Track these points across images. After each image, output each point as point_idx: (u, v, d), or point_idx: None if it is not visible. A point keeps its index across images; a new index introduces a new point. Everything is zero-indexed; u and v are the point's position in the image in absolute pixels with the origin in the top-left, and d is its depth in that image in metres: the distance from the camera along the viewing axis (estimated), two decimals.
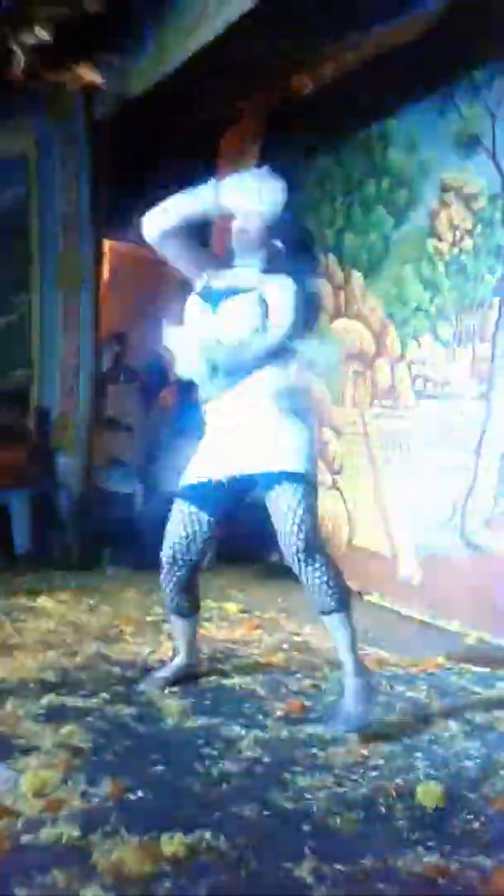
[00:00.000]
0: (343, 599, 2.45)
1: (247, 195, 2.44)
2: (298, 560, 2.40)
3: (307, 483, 2.43)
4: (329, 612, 2.45)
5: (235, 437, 2.49)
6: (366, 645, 3.35)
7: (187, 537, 2.59)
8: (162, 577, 2.67)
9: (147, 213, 2.52)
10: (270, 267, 2.51)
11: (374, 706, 2.46)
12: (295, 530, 2.38)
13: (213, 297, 2.50)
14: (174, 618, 2.80)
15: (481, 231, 3.84)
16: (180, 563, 2.61)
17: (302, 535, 2.38)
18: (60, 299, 5.23)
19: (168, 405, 5.51)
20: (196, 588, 2.75)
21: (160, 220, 2.49)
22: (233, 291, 2.48)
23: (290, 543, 2.40)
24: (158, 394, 5.63)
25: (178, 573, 2.63)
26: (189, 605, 2.75)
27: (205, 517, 2.58)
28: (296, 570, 2.43)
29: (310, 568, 2.40)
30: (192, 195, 2.47)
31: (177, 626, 2.82)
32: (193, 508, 2.57)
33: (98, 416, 5.31)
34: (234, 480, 2.52)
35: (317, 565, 2.40)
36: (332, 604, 2.43)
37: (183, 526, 2.58)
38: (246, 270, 2.52)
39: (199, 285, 2.58)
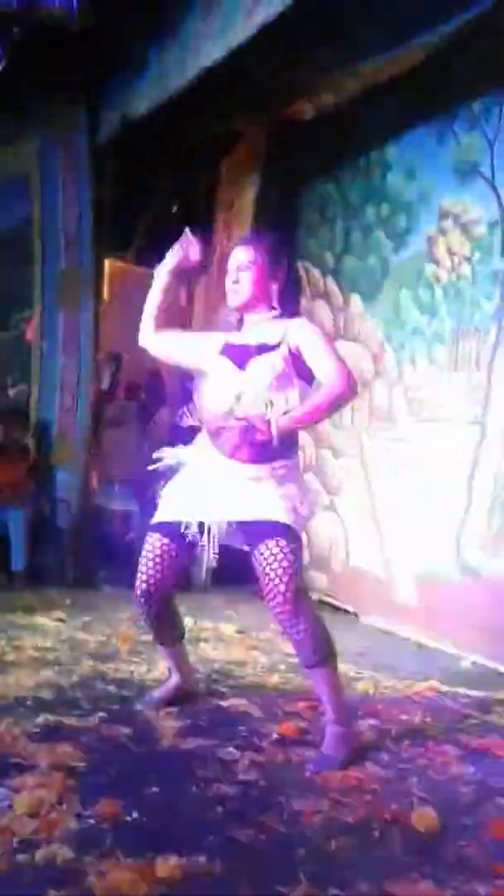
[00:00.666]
0: (326, 654, 2.41)
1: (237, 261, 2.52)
2: (283, 615, 2.35)
3: (294, 536, 2.39)
4: (313, 667, 2.43)
5: (222, 482, 2.43)
6: (361, 667, 3.38)
7: (160, 572, 2.53)
8: (139, 610, 2.67)
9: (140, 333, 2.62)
10: (278, 312, 2.51)
11: (351, 753, 2.41)
12: (281, 586, 2.33)
13: (236, 355, 2.47)
14: (159, 647, 2.83)
15: (479, 258, 3.89)
16: (155, 596, 2.57)
17: (289, 591, 2.33)
18: (61, 316, 5.27)
19: (163, 424, 5.55)
20: (175, 617, 2.75)
21: (147, 321, 2.59)
22: (259, 348, 2.44)
23: (275, 597, 2.34)
24: (156, 412, 5.65)
25: (153, 607, 2.60)
26: (170, 635, 2.76)
27: (179, 553, 2.53)
28: (280, 624, 2.39)
29: (295, 623, 2.35)
30: (155, 278, 2.60)
31: (164, 653, 2.84)
32: (168, 544, 2.53)
33: (97, 434, 5.33)
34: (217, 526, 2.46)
35: (301, 621, 2.35)
36: (317, 658, 2.40)
37: (155, 561, 2.53)
38: (259, 323, 2.51)
39: (214, 347, 2.55)
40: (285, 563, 2.33)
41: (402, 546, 4.26)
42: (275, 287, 2.51)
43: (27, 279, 5.41)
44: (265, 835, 1.93)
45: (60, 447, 5.16)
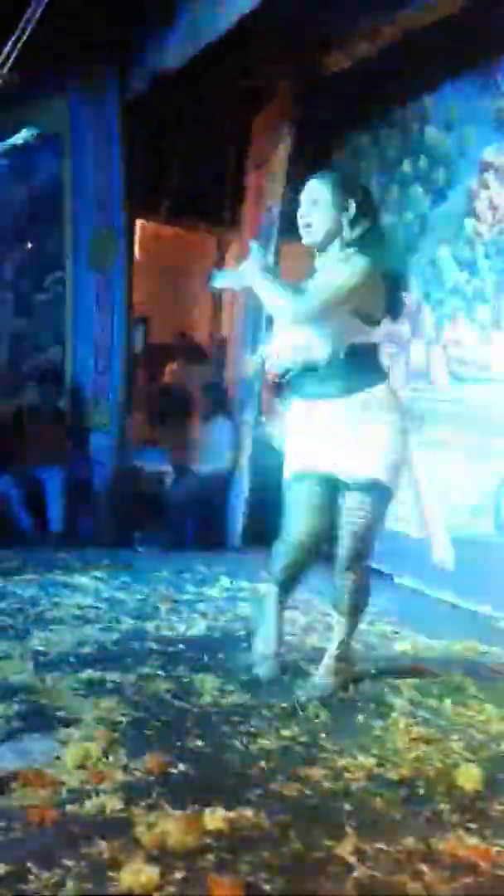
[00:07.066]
0: (358, 609, 2.64)
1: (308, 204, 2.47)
2: (343, 565, 2.54)
3: (383, 494, 2.51)
4: (341, 614, 2.62)
5: (333, 436, 2.50)
6: (399, 627, 3.37)
7: (310, 523, 2.58)
8: (277, 557, 2.66)
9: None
10: (350, 251, 2.45)
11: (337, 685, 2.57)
12: (352, 536, 2.50)
13: None
14: (270, 590, 2.76)
15: None
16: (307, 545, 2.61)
17: (356, 544, 2.51)
18: (94, 278, 5.24)
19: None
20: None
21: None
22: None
23: (343, 546, 2.51)
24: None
25: (302, 556, 2.62)
26: (288, 588, 2.72)
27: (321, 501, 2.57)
28: (337, 570, 2.56)
29: (349, 574, 2.55)
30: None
31: (269, 603, 2.75)
32: (307, 495, 2.56)
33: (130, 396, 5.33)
34: (329, 477, 2.53)
35: (355, 575, 2.56)
36: (348, 609, 2.61)
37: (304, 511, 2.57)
38: (327, 263, 2.48)
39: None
40: (367, 517, 2.48)
41: (440, 507, 4.20)
42: (346, 219, 2.43)
43: (59, 239, 5.37)
44: (310, 790, 1.94)
45: (95, 409, 5.17)
